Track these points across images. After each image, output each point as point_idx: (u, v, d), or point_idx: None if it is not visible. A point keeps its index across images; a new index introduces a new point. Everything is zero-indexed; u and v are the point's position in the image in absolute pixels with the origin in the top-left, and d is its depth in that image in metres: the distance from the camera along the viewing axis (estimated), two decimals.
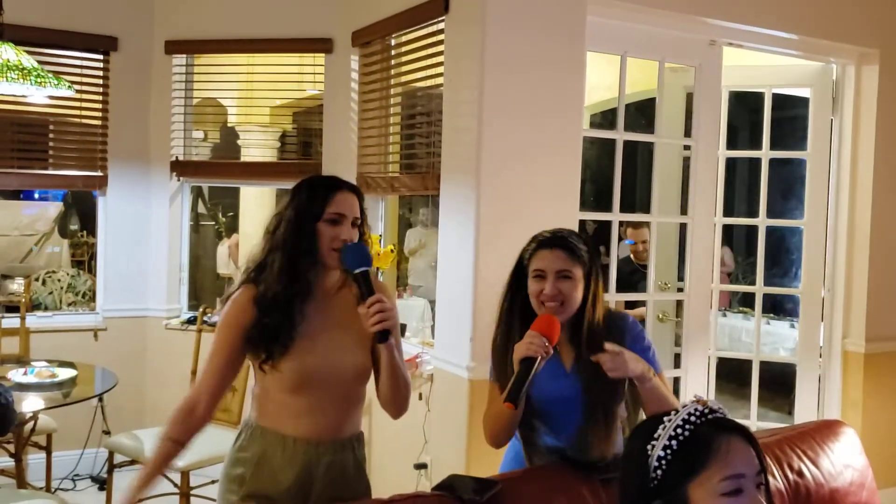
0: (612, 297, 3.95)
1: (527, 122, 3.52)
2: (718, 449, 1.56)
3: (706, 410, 1.62)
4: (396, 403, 2.25)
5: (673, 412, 1.63)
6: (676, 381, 4.28)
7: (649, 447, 1.61)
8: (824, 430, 2.73)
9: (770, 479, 2.48)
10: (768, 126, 4.51)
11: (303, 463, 2.15)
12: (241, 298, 2.16)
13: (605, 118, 6.91)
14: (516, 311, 2.22)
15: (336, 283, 2.23)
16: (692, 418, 1.60)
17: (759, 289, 4.77)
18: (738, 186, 7.60)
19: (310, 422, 2.16)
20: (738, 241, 7.57)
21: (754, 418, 4.59)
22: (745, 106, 4.43)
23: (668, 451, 1.58)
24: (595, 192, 8.44)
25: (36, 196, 10.57)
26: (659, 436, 1.59)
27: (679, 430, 1.58)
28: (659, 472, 1.59)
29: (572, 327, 2.20)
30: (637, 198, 4.12)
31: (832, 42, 4.32)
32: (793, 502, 2.47)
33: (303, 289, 2.14)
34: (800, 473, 2.54)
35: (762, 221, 4.61)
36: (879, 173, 4.45)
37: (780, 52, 4.33)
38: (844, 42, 4.36)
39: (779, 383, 5.90)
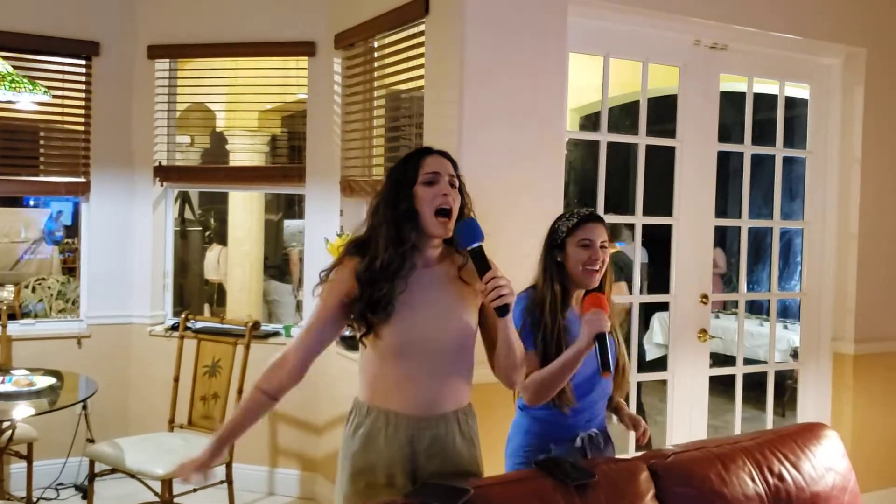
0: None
1: (508, 124, 3.49)
2: None
3: None
4: (511, 373, 2.27)
5: None
6: (663, 383, 4.25)
7: None
8: (806, 434, 2.69)
9: (750, 483, 2.46)
10: (782, 123, 4.46)
11: (405, 438, 2.19)
12: (345, 270, 2.21)
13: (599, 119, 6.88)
14: (555, 278, 2.53)
15: (438, 254, 2.27)
16: None
17: (774, 294, 4.74)
18: (726, 186, 7.58)
19: (410, 395, 2.20)
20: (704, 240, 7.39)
21: (770, 424, 4.53)
22: (740, 106, 4.38)
23: None
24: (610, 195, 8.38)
25: (31, 203, 10.52)
26: None
27: None
28: None
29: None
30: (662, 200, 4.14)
31: (818, 41, 4.29)
32: None
33: (407, 256, 2.18)
34: (780, 477, 2.51)
35: (776, 223, 4.59)
36: (867, 173, 4.42)
37: (766, 50, 4.30)
38: (831, 41, 4.32)
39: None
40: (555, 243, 2.54)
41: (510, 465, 2.58)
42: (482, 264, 2.13)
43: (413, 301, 2.18)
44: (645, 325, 7.88)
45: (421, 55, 3.77)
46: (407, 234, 2.17)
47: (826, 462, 2.62)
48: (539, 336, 2.46)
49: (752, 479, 2.46)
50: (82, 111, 4.82)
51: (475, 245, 2.14)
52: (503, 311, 2.10)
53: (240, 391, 4.03)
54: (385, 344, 2.18)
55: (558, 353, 2.39)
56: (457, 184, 2.23)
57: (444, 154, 2.27)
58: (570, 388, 2.43)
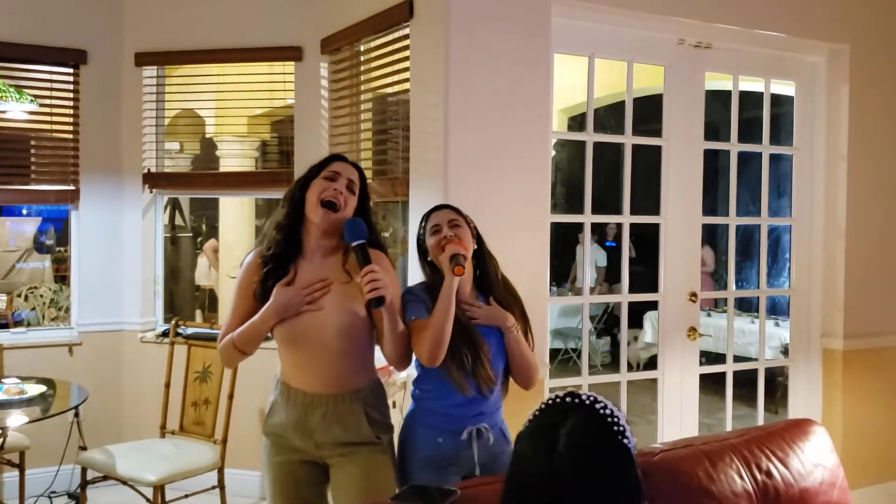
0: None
1: (494, 125, 3.50)
2: None
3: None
4: (399, 359, 2.50)
5: (612, 408, 1.55)
6: (653, 382, 4.26)
7: (626, 441, 1.52)
8: (794, 430, 2.69)
9: (738, 480, 2.47)
10: (768, 121, 4.47)
11: (299, 411, 2.46)
12: (252, 262, 2.50)
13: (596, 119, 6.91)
14: (427, 274, 2.67)
15: (330, 247, 2.48)
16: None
17: (763, 291, 4.76)
18: (714, 184, 7.59)
19: (304, 375, 2.46)
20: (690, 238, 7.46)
21: (761, 421, 4.54)
22: (726, 104, 4.40)
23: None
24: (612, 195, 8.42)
25: (24, 212, 10.51)
26: (625, 428, 1.52)
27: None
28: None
29: (477, 281, 2.67)
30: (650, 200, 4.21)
31: (802, 39, 4.31)
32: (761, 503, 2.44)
33: (293, 243, 2.44)
34: (768, 474, 2.51)
35: (764, 220, 4.61)
36: (853, 169, 4.44)
37: (750, 49, 4.31)
38: (814, 38, 4.34)
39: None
40: (422, 250, 2.68)
41: (400, 452, 2.62)
42: (364, 260, 2.34)
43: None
44: (637, 325, 7.91)
45: (406, 58, 3.78)
46: (292, 221, 2.44)
47: (814, 458, 2.62)
48: (428, 307, 2.54)
49: (741, 476, 2.47)
50: (70, 119, 4.82)
51: (358, 242, 2.36)
52: (376, 302, 2.29)
53: (231, 396, 4.03)
54: (276, 332, 2.44)
55: None
56: (356, 190, 2.48)
57: (354, 164, 2.54)
58: (447, 331, 2.51)
